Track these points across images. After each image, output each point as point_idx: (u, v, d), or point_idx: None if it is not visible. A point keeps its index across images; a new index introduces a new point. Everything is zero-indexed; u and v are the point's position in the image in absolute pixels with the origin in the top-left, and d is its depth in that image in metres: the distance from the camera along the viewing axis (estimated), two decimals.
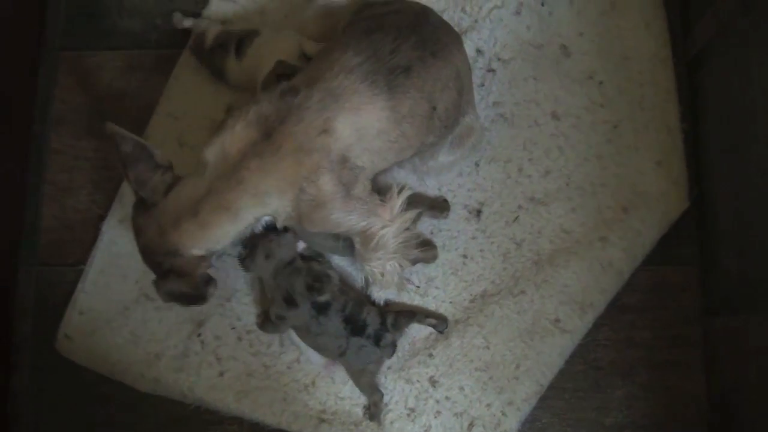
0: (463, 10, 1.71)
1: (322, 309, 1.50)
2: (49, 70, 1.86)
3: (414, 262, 1.57)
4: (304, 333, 1.54)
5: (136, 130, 1.72)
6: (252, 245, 1.48)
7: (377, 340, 1.54)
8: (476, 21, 1.71)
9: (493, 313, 1.63)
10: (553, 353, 1.62)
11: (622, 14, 1.77)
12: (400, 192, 1.45)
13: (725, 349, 1.60)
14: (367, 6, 1.51)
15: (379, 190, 1.47)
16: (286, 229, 1.49)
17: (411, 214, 1.46)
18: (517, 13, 1.74)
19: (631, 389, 1.64)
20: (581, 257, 1.64)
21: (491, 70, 1.71)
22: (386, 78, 1.32)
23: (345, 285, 1.59)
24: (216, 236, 1.34)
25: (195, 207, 1.32)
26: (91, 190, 1.78)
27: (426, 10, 1.47)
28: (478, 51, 1.70)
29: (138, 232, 1.39)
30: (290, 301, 1.49)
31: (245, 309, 1.66)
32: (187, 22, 1.77)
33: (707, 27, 1.66)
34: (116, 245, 1.71)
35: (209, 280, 1.41)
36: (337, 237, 1.51)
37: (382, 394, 1.58)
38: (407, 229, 1.47)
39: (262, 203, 1.32)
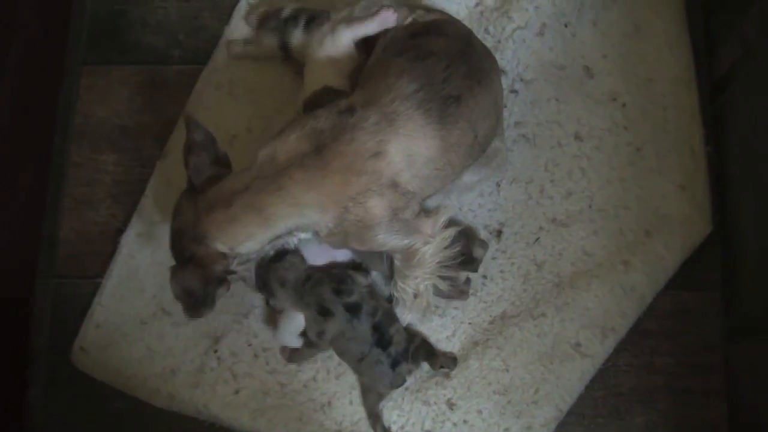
0: (486, 30, 1.72)
1: (354, 310, 1.51)
2: (71, 83, 1.87)
3: (447, 297, 1.59)
4: (339, 341, 1.55)
5: (157, 145, 1.77)
6: (263, 281, 1.51)
7: (394, 364, 1.54)
8: (499, 41, 1.71)
9: (513, 335, 1.63)
10: (573, 378, 1.61)
11: (645, 36, 1.77)
12: (444, 211, 1.46)
13: (748, 376, 1.58)
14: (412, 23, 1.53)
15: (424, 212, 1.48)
16: (285, 253, 1.50)
17: (451, 231, 1.46)
18: (540, 34, 1.74)
19: (651, 416, 1.63)
20: (603, 280, 1.64)
21: (514, 91, 1.72)
22: (439, 107, 1.34)
23: (375, 293, 1.59)
24: (242, 235, 1.33)
25: (230, 198, 1.31)
26: (110, 204, 1.79)
27: (471, 36, 1.49)
28: (501, 71, 1.69)
29: (176, 214, 1.39)
30: (325, 312, 1.50)
31: (262, 326, 1.65)
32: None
33: (732, 50, 1.66)
34: (134, 259, 1.72)
35: (223, 281, 1.37)
36: (381, 253, 1.52)
37: (384, 428, 1.59)
38: (446, 247, 1.47)
39: (300, 214, 1.31)
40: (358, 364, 1.54)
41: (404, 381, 1.56)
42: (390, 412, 1.62)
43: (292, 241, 1.39)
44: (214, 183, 1.37)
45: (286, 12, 1.71)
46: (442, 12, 1.58)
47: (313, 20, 1.66)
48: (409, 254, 1.43)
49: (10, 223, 1.71)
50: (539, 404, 1.60)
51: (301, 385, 1.63)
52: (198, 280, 1.34)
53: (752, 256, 1.58)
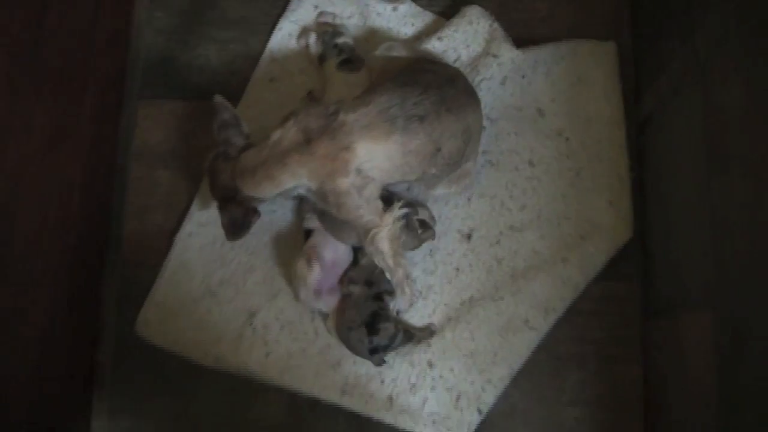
0: None
1: (378, 297, 1.72)
2: (131, 113, 2.02)
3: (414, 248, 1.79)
4: (349, 300, 1.73)
5: (201, 164, 1.83)
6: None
7: (373, 351, 1.70)
8: None
9: (478, 314, 1.79)
10: (522, 346, 1.77)
11: (586, 85, 1.93)
12: (399, 207, 1.65)
13: (656, 347, 1.74)
14: (418, 60, 1.76)
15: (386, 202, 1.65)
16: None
17: (398, 224, 1.65)
18: (502, 84, 1.91)
19: (583, 375, 1.79)
20: (547, 273, 1.80)
21: (482, 127, 1.80)
22: (404, 122, 1.55)
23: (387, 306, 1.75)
24: (262, 191, 1.65)
25: (254, 169, 1.63)
26: (164, 210, 1.96)
27: (456, 78, 1.69)
28: None
29: (215, 173, 1.70)
30: (370, 282, 1.75)
31: (288, 304, 1.83)
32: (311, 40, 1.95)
33: (650, 100, 1.84)
34: (186, 253, 1.88)
35: (255, 211, 1.70)
36: (350, 227, 1.70)
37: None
38: (397, 237, 1.66)
39: (297, 180, 1.60)
40: (347, 331, 1.70)
41: (380, 364, 1.73)
42: (384, 371, 1.78)
43: (294, 192, 1.66)
44: (242, 152, 1.67)
45: (339, 40, 1.88)
46: (442, 65, 1.76)
47: (348, 63, 1.85)
48: (365, 231, 1.64)
49: (84, 224, 1.87)
50: (497, 364, 1.77)
51: (316, 350, 1.81)
52: (240, 213, 1.69)
53: (660, 255, 1.75)
